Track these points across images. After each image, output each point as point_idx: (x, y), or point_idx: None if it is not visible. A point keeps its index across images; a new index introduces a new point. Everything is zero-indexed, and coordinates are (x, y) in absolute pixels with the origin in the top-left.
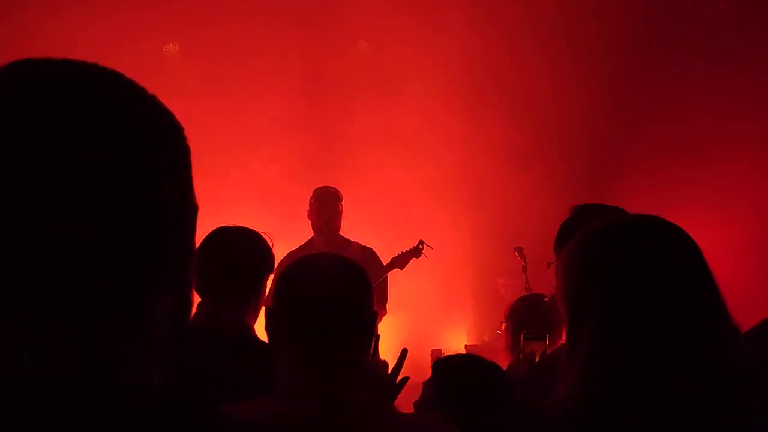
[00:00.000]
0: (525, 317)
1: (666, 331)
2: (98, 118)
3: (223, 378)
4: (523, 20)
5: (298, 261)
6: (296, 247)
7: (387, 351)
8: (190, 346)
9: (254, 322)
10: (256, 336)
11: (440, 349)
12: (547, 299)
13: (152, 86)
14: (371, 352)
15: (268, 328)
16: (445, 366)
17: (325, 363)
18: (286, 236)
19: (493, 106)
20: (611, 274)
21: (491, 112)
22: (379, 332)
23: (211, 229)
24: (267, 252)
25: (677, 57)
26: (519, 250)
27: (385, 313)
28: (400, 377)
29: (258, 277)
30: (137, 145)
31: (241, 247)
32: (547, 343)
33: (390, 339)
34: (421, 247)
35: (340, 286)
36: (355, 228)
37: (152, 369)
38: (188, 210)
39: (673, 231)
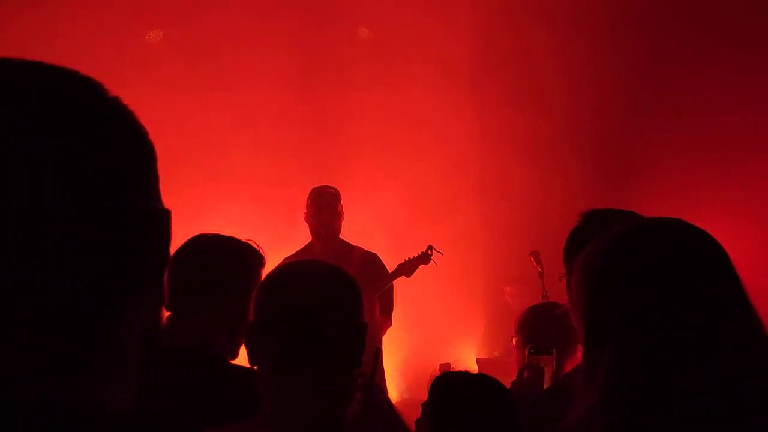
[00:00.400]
0: (538, 329)
1: (693, 347)
2: (60, 122)
3: (187, 402)
4: (531, 2)
5: (280, 269)
6: (293, 253)
7: (393, 365)
8: (160, 365)
9: (235, 340)
10: (223, 357)
11: (449, 364)
12: (559, 311)
13: (134, 78)
14: (371, 369)
15: (247, 344)
16: (442, 386)
17: (313, 382)
18: (284, 241)
19: (501, 96)
20: (630, 286)
21: (499, 102)
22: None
23: (199, 232)
24: (243, 262)
25: (702, 42)
26: (535, 254)
27: (390, 325)
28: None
29: (230, 290)
30: (102, 151)
31: (213, 257)
32: (554, 357)
33: (396, 352)
34: (430, 252)
35: (326, 296)
36: (358, 231)
37: (122, 390)
38: (158, 216)
39: (697, 236)
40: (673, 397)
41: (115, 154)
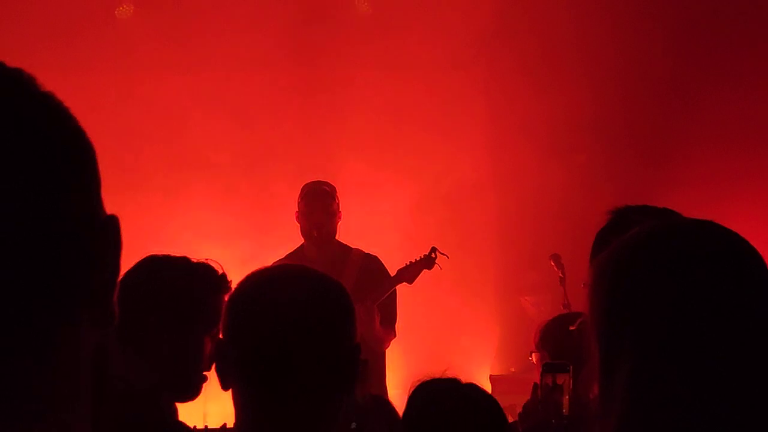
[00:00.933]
0: (560, 344)
1: (723, 372)
2: None
3: None
4: None
5: (255, 278)
6: (284, 256)
7: (397, 381)
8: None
9: (191, 377)
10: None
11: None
12: (573, 328)
13: (105, 59)
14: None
15: (218, 367)
16: (420, 397)
17: (295, 412)
18: (274, 244)
19: (517, 78)
20: (651, 299)
21: (515, 85)
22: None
23: (184, 235)
24: (191, 293)
25: (745, 26)
26: (556, 258)
27: (394, 336)
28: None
29: (170, 325)
30: (36, 155)
31: (152, 288)
32: (571, 375)
33: (399, 367)
34: (433, 255)
35: (312, 309)
36: (355, 232)
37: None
38: (103, 224)
39: (730, 241)
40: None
41: (48, 158)
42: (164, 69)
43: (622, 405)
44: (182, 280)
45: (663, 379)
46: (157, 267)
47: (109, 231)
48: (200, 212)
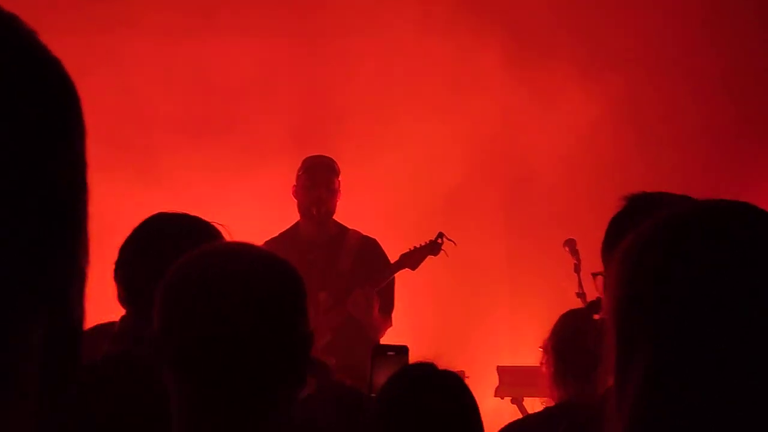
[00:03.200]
0: (574, 337)
1: (744, 377)
2: None
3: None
4: None
5: (192, 257)
6: (277, 235)
7: None
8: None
9: None
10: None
11: (463, 371)
12: (597, 317)
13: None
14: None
15: (150, 356)
16: (392, 381)
17: (237, 411)
18: (266, 221)
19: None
20: (672, 290)
21: (538, 51)
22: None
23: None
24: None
25: None
26: (570, 243)
27: (390, 325)
28: None
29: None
30: (8, 106)
31: (171, 241)
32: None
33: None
34: (440, 241)
35: (256, 293)
36: (354, 213)
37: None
38: (78, 199)
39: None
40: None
41: (22, 113)
42: (158, 34)
43: (635, 402)
44: (202, 235)
45: (679, 380)
46: (169, 223)
47: (77, 209)
48: (189, 189)
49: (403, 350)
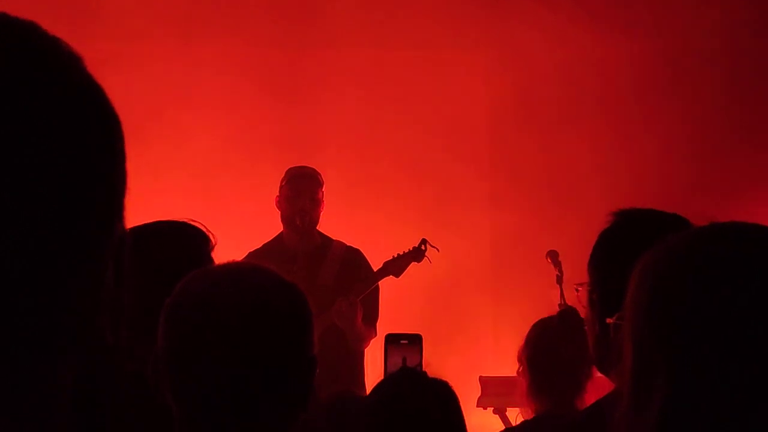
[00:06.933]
0: (545, 347)
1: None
2: None
3: None
4: None
5: (200, 276)
6: (260, 246)
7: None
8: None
9: None
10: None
11: (446, 383)
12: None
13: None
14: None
15: (154, 377)
16: (382, 386)
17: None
18: (249, 231)
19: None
20: (696, 313)
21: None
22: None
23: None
24: (185, 261)
25: None
26: (552, 254)
27: (375, 335)
28: None
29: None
30: (48, 127)
31: (148, 255)
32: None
33: (380, 369)
34: (423, 248)
35: (268, 317)
36: (337, 224)
37: None
38: (120, 238)
39: None
40: None
41: (67, 140)
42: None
43: (659, 413)
44: (182, 245)
45: (698, 407)
46: (146, 234)
47: (121, 249)
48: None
49: (417, 339)
